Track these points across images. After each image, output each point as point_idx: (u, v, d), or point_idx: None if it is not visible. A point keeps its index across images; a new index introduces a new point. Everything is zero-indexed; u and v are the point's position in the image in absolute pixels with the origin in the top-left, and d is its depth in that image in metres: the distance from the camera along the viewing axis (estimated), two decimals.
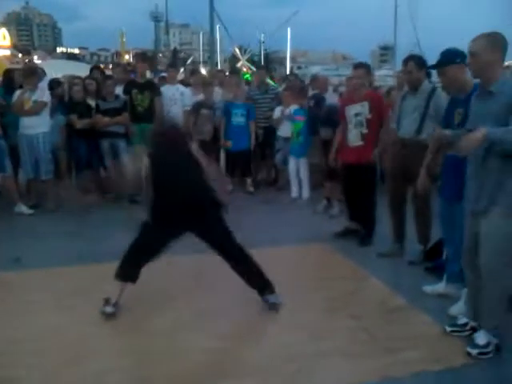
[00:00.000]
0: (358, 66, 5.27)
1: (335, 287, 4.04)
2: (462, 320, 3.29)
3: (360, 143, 5.07)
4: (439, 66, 3.58)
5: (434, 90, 4.34)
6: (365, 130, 5.03)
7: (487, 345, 3.01)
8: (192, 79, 8.21)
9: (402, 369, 2.90)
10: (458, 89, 3.56)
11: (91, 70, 8.00)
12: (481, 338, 3.04)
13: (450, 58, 3.51)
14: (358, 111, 5.05)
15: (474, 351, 3.00)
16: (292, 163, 6.97)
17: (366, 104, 4.99)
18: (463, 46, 3.36)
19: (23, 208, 6.20)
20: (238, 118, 7.17)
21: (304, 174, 6.87)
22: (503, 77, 2.96)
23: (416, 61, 4.44)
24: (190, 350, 3.09)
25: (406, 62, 4.48)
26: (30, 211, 6.19)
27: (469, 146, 2.78)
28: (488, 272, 2.97)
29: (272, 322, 3.45)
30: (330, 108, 6.18)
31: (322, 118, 6.21)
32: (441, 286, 3.83)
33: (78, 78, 7.38)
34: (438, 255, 4.31)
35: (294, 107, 7.03)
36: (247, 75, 14.69)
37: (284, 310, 3.61)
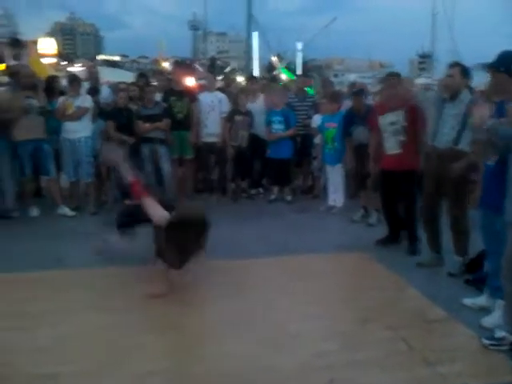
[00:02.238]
0: (391, 74, 5.23)
1: (372, 297, 3.98)
2: (500, 333, 3.18)
3: (398, 151, 5.01)
4: (491, 66, 3.37)
5: (473, 99, 4.25)
6: (402, 138, 4.98)
7: None
8: (248, 86, 8.21)
9: (439, 382, 2.83)
10: (502, 97, 3.40)
11: (137, 77, 8.18)
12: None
13: (505, 63, 3.29)
14: (393, 120, 5.00)
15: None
16: (328, 170, 6.94)
17: (400, 113, 4.94)
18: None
19: (66, 210, 6.38)
20: (276, 126, 7.20)
21: (339, 182, 6.82)
22: None
23: (461, 68, 4.36)
24: (223, 355, 3.10)
25: (451, 66, 4.40)
26: (72, 213, 6.37)
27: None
28: None
29: (307, 331, 3.42)
30: (369, 108, 6.11)
31: (361, 117, 6.07)
32: (482, 300, 3.72)
33: (124, 84, 7.59)
34: (479, 267, 4.20)
35: (318, 116, 7.10)
36: (291, 75, 14.67)
37: (320, 319, 3.58)
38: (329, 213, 6.67)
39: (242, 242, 5.28)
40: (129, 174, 4.22)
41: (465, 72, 4.33)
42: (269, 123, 7.24)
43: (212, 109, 7.27)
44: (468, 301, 3.78)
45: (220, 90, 8.06)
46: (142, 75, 8.61)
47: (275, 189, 7.40)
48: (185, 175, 7.45)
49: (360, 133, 6.03)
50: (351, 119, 6.24)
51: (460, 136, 4.24)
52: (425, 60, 70.49)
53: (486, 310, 3.59)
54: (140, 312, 3.68)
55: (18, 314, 3.59)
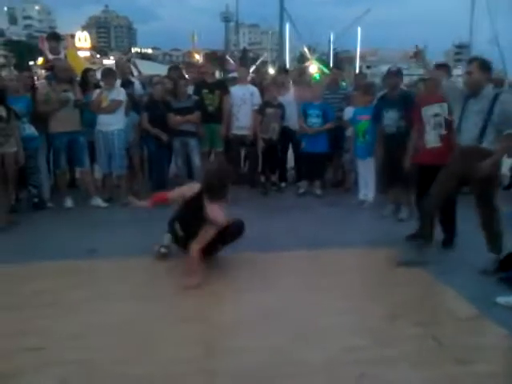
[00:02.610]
0: (439, 65, 5.09)
1: (401, 292, 3.94)
2: None
3: (438, 144, 4.92)
4: None
5: (497, 95, 4.13)
6: (444, 131, 4.88)
7: None
8: (280, 78, 8.04)
9: (472, 381, 2.79)
10: None
11: (169, 70, 8.25)
12: None
13: None
14: (436, 112, 4.90)
15: None
16: (358, 164, 6.86)
17: (444, 105, 4.83)
18: None
19: (99, 201, 6.53)
20: (313, 119, 7.11)
21: (370, 176, 6.74)
22: None
23: (480, 62, 4.21)
24: (253, 347, 3.13)
25: (469, 62, 4.28)
26: (105, 204, 6.51)
27: None
28: None
29: (336, 326, 3.41)
30: (405, 94, 5.96)
31: (394, 101, 5.84)
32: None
33: (158, 76, 7.68)
34: None
35: (350, 109, 7.00)
36: (317, 76, 14.56)
37: (349, 314, 3.57)
38: (359, 207, 6.61)
39: (271, 235, 5.29)
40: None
41: (484, 66, 4.18)
42: (304, 116, 7.17)
43: (244, 102, 7.28)
44: (501, 299, 3.69)
45: (252, 82, 8.06)
46: (176, 68, 8.67)
47: (305, 182, 7.37)
48: None
49: (391, 118, 5.81)
50: (383, 102, 6.01)
51: (483, 133, 4.12)
52: (461, 51, 68.73)
53: None
54: (173, 302, 3.74)
55: (54, 303, 3.71)
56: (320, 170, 7.35)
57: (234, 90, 7.42)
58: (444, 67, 5.17)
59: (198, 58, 35.67)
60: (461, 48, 71.12)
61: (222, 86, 7.35)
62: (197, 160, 6.93)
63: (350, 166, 7.34)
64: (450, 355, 3.03)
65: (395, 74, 6.05)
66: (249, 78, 8.25)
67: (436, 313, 3.62)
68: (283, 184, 7.63)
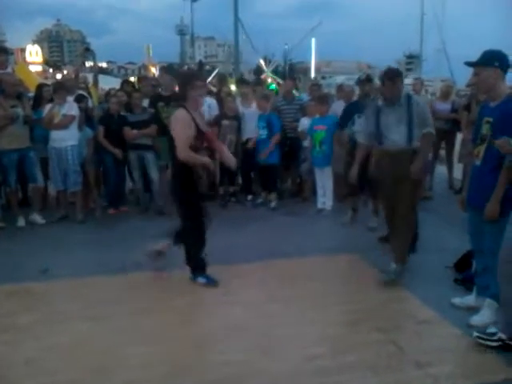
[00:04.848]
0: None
1: (362, 299, 3.99)
2: (491, 329, 3.21)
3: None
4: (475, 64, 3.38)
5: (409, 98, 4.33)
6: None
7: None
8: (241, 90, 8.09)
9: (429, 383, 2.84)
10: (488, 94, 3.42)
11: (122, 84, 8.14)
12: None
13: (488, 59, 3.30)
14: None
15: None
16: (316, 173, 6.94)
17: None
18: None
19: (37, 218, 6.35)
20: (261, 131, 7.13)
21: (328, 184, 6.82)
22: None
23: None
24: (215, 362, 3.09)
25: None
26: (43, 221, 6.34)
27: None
28: None
29: (298, 335, 3.42)
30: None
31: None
32: (471, 299, 3.74)
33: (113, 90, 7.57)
34: (468, 267, 4.22)
35: (307, 120, 7.07)
36: (272, 86, 14.72)
37: (310, 323, 3.58)
38: (318, 216, 6.67)
39: (232, 247, 5.26)
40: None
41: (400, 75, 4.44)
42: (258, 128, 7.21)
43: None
44: (457, 300, 3.79)
45: (211, 93, 8.04)
46: (128, 81, 8.58)
47: (263, 193, 7.38)
48: None
49: (362, 124, 5.89)
50: (355, 108, 6.11)
51: (411, 136, 4.31)
52: (412, 60, 71.03)
53: (475, 309, 3.59)
54: (132, 321, 3.65)
55: (7, 327, 3.56)
56: (273, 182, 7.33)
57: None
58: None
59: (153, 71, 35.41)
60: (411, 58, 73.47)
61: (178, 99, 7.30)
62: (154, 174, 6.83)
63: (308, 176, 7.41)
64: (410, 359, 3.08)
65: (367, 81, 6.25)
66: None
67: (395, 317, 3.67)
68: (249, 197, 7.47)
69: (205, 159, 4.07)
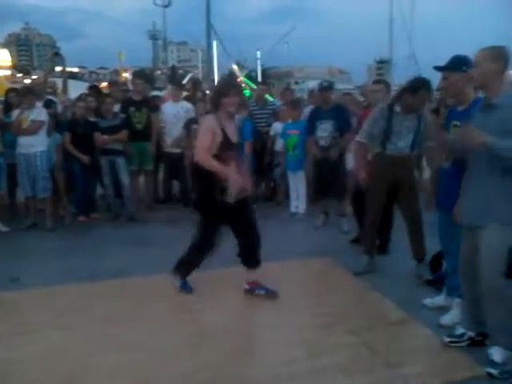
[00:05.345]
0: (377, 81, 5.32)
1: (336, 302, 4.02)
2: (460, 330, 3.27)
3: None
4: (443, 69, 3.46)
5: None
6: None
7: (505, 362, 2.93)
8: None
9: (400, 383, 2.87)
10: (457, 98, 3.51)
11: (89, 89, 8.05)
12: (495, 354, 2.96)
13: (456, 64, 3.40)
14: None
15: (495, 371, 2.90)
16: (289, 177, 6.97)
17: None
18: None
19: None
20: None
21: (301, 188, 6.86)
22: (507, 89, 2.93)
23: (386, 84, 4.71)
24: (189, 368, 3.05)
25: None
26: (6, 229, 6.23)
27: (469, 138, 2.80)
28: (489, 286, 2.96)
29: (273, 339, 3.42)
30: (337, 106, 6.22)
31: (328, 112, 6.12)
32: (441, 299, 3.81)
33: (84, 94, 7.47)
34: (438, 268, 4.29)
35: (278, 124, 7.10)
36: (246, 91, 14.76)
37: (285, 327, 3.59)
38: (292, 219, 6.70)
39: None
40: None
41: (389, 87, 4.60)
42: None
43: (178, 119, 7.20)
44: (427, 301, 3.86)
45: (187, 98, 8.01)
46: (95, 87, 8.51)
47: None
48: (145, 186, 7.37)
49: (324, 129, 6.05)
50: (317, 114, 6.22)
51: (414, 145, 4.43)
52: (383, 66, 72.15)
53: (445, 309, 3.65)
54: (104, 330, 3.58)
55: None
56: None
57: (166, 107, 7.35)
58: (383, 82, 5.41)
59: (125, 75, 35.05)
60: (382, 63, 74.61)
61: (150, 104, 7.25)
62: (125, 179, 6.75)
63: (281, 180, 7.44)
64: (382, 361, 3.11)
65: (328, 88, 6.32)
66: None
67: (368, 319, 3.70)
68: None
69: (223, 168, 3.78)
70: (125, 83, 9.16)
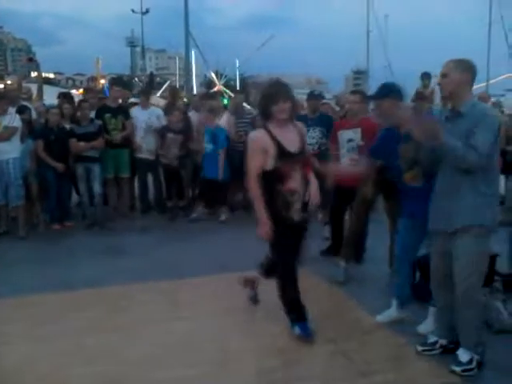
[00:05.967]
0: (354, 92, 5.38)
1: (311, 310, 3.98)
2: (432, 338, 3.31)
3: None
4: (375, 97, 3.72)
5: None
6: (356, 156, 5.07)
7: (470, 361, 3.02)
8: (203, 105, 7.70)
9: None
10: (392, 123, 3.62)
11: (59, 97, 7.95)
12: (463, 355, 3.05)
13: (386, 91, 3.65)
14: (350, 137, 5.10)
15: (458, 368, 3.01)
16: None
17: (358, 130, 5.03)
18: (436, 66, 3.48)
19: None
20: (206, 145, 6.99)
21: None
22: (472, 99, 3.08)
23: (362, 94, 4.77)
24: (165, 379, 3.01)
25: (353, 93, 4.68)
26: None
27: (426, 131, 2.88)
28: (463, 291, 3.01)
29: (249, 349, 3.39)
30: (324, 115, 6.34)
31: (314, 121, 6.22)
32: (393, 312, 3.79)
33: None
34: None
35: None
36: (224, 99, 14.76)
37: (261, 335, 3.57)
38: None
39: (181, 261, 5.20)
40: None
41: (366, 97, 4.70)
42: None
43: (149, 126, 7.17)
44: (380, 317, 3.79)
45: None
46: (68, 94, 8.42)
47: (204, 208, 7.21)
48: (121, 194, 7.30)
49: (312, 137, 6.11)
50: (304, 122, 6.22)
51: None
52: (360, 76, 73.13)
53: (422, 317, 3.64)
54: (74, 341, 3.50)
55: None
56: (220, 197, 7.17)
57: (136, 112, 7.30)
58: (360, 93, 5.46)
59: (102, 82, 34.75)
60: (359, 74, 75.61)
61: (124, 111, 7.21)
62: (97, 187, 6.66)
63: None
64: (357, 369, 3.12)
65: (318, 97, 6.59)
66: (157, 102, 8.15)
67: (343, 328, 3.71)
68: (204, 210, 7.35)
69: (262, 211, 3.33)
70: (101, 90, 9.08)
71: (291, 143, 3.38)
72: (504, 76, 37.89)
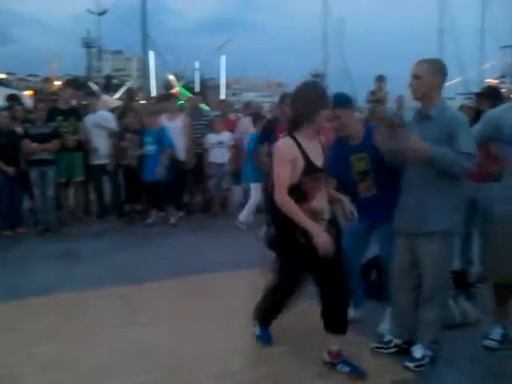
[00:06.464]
0: None
1: None
2: (387, 337, 3.38)
3: None
4: (334, 107, 3.44)
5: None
6: None
7: (423, 358, 3.11)
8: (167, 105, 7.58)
9: None
10: (349, 133, 3.53)
11: (7, 100, 7.72)
12: (417, 351, 3.14)
13: (343, 102, 3.48)
14: None
15: (411, 364, 3.10)
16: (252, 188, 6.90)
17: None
18: (390, 70, 3.50)
19: None
20: (148, 147, 6.83)
21: (252, 200, 6.80)
22: (442, 102, 3.05)
23: None
24: None
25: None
26: None
27: (416, 149, 2.86)
28: (430, 293, 3.10)
29: (208, 353, 3.36)
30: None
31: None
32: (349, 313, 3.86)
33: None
34: (367, 276, 4.40)
35: (214, 135, 7.20)
36: (181, 101, 14.66)
37: (218, 339, 3.56)
38: (231, 230, 6.63)
39: (138, 266, 5.12)
40: None
41: None
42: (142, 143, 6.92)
43: (99, 128, 7.02)
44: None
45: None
46: (13, 96, 8.18)
47: (153, 212, 7.09)
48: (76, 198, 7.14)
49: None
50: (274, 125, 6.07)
51: None
52: (317, 79, 74.13)
53: (377, 315, 3.70)
54: (25, 350, 3.39)
55: None
56: (164, 199, 7.07)
57: (86, 117, 7.14)
58: None
59: (57, 84, 33.87)
60: (317, 77, 76.65)
61: (77, 113, 7.05)
62: (51, 191, 6.47)
63: (215, 191, 7.43)
64: (313, 369, 3.15)
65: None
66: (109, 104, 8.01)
67: (301, 329, 3.72)
68: (181, 214, 7.33)
69: (309, 223, 2.92)
70: (55, 92, 8.82)
71: (317, 157, 3.03)
72: (456, 80, 39.32)
